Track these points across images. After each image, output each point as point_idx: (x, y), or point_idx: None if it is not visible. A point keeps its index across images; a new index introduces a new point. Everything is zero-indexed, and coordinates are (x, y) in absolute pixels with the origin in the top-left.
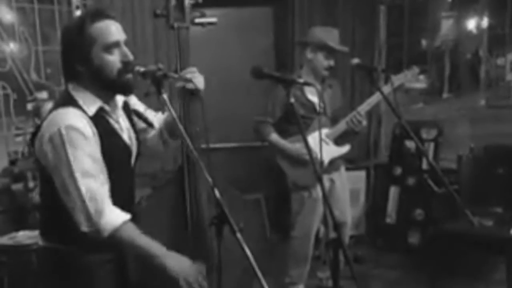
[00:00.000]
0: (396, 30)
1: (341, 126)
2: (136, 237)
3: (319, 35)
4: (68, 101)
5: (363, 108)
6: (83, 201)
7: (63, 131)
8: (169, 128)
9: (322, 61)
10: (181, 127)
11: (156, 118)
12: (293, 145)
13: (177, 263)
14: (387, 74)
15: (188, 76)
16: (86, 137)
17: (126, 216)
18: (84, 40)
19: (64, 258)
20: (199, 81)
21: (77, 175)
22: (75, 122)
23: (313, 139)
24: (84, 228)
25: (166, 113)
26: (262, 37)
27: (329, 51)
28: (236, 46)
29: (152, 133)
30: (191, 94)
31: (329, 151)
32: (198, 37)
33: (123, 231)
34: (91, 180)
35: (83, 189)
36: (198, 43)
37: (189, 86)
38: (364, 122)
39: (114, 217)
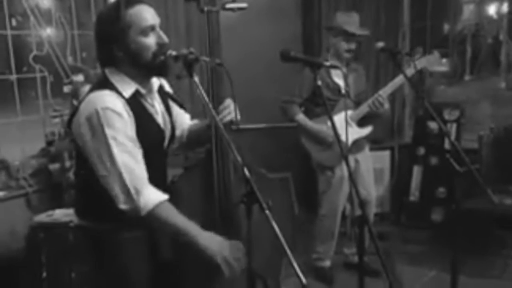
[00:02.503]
0: (419, 14)
1: (364, 108)
2: (173, 216)
3: (339, 20)
4: (104, 84)
5: (386, 90)
6: (123, 180)
7: (100, 112)
8: (192, 136)
9: (343, 45)
10: (211, 108)
11: (185, 122)
12: (317, 126)
13: (214, 242)
14: (411, 57)
15: (227, 117)
16: (122, 118)
17: (164, 195)
18: (120, 26)
19: (98, 235)
20: (236, 112)
21: (116, 154)
22: (112, 103)
23: (337, 120)
24: (123, 206)
25: (194, 121)
26: (290, 21)
27: (349, 35)
28: (265, 30)
29: (177, 132)
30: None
31: (352, 133)
32: (228, 21)
33: (161, 209)
34: (130, 159)
35: (122, 167)
36: (228, 27)
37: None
38: (386, 105)
39: (153, 196)
